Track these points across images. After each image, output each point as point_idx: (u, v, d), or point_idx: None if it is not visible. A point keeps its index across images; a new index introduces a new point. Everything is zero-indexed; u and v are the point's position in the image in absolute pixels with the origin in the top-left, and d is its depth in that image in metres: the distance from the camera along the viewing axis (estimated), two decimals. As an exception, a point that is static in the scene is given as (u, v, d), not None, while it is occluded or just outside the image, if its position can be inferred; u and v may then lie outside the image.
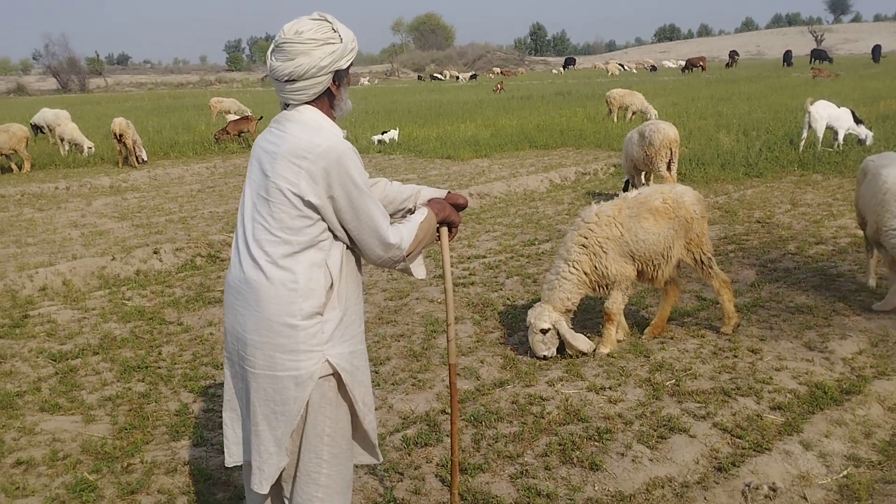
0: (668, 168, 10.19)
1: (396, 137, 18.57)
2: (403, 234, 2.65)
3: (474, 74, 73.54)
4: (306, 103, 2.58)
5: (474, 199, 11.67)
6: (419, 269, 2.80)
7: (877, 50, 54.56)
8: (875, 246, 6.33)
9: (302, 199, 2.45)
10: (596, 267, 5.38)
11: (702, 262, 5.57)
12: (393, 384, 5.08)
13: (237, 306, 2.58)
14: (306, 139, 2.47)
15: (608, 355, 5.39)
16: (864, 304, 6.16)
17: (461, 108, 28.27)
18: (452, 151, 16.60)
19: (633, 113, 20.93)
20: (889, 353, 5.21)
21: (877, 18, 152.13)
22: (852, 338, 5.47)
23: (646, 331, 5.74)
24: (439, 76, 73.33)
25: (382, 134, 18.64)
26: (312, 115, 2.57)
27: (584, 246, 5.39)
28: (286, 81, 2.52)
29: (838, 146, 13.55)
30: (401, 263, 2.70)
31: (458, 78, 70.65)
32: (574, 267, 5.38)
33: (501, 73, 76.11)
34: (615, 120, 20.85)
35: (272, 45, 2.55)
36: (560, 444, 4.15)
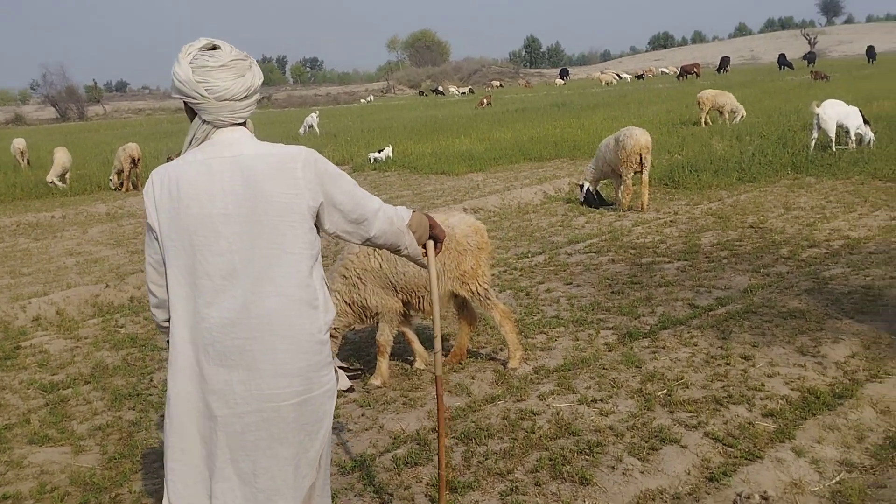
0: (641, 172, 10.64)
1: (392, 154, 18.60)
2: (397, 209, 2.75)
3: (470, 89, 73.94)
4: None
5: (468, 213, 11.64)
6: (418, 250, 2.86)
7: (871, 50, 54.70)
8: None
9: (309, 207, 2.44)
10: (355, 298, 5.26)
11: (478, 294, 5.37)
12: (383, 404, 5.06)
13: (253, 347, 2.38)
14: (276, 152, 2.44)
15: (379, 386, 5.33)
16: (857, 306, 6.13)
17: (457, 122, 28.34)
18: (447, 166, 16.62)
19: (728, 113, 20.42)
20: (881, 356, 5.18)
21: (869, 19, 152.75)
22: (845, 341, 5.44)
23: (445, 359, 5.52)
24: (442, 91, 73.60)
25: (379, 152, 18.67)
26: (246, 132, 2.53)
27: (344, 276, 5.26)
28: (243, 98, 2.49)
29: (853, 145, 13.50)
30: (406, 238, 2.75)
31: (463, 92, 70.98)
32: (335, 297, 5.22)
33: (499, 85, 76.67)
34: (707, 123, 20.34)
35: (206, 68, 2.40)
36: (551, 460, 4.11)
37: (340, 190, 2.52)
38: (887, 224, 8.73)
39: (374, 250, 5.18)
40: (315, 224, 2.53)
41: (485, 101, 41.23)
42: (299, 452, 2.48)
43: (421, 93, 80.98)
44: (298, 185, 2.42)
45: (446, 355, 5.69)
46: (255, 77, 2.50)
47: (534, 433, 4.43)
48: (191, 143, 2.48)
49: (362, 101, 74.74)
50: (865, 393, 4.61)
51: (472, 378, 5.35)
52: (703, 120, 20.36)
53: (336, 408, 4.89)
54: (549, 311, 6.74)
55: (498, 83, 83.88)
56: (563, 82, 72.52)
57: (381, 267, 5.22)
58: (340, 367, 4.73)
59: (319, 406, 2.51)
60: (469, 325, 5.69)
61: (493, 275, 8.02)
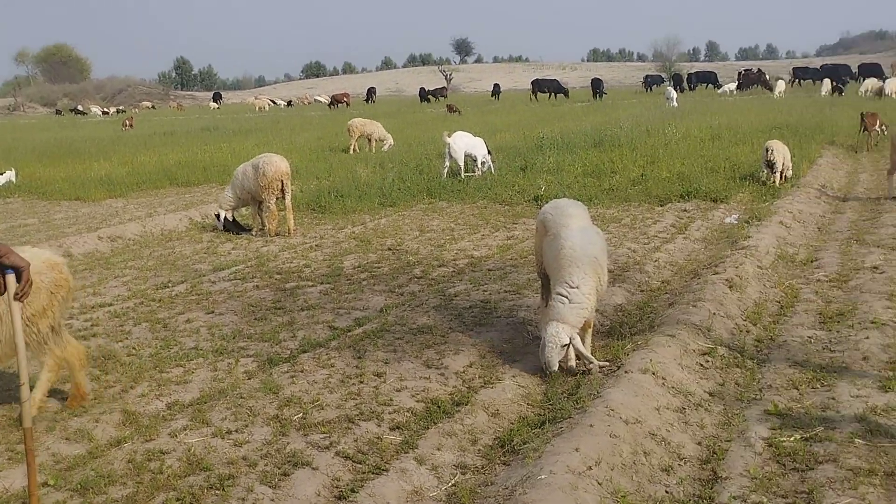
0: (283, 198, 10.90)
1: (14, 179, 16.68)
2: None
3: (120, 109, 69.47)
4: None
5: (104, 242, 10.85)
6: None
7: (496, 87, 61.28)
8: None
9: None
10: None
11: (40, 333, 4.91)
12: (-15, 461, 4.46)
13: None
14: None
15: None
16: (476, 319, 6.74)
17: (96, 145, 26.32)
18: (83, 192, 15.33)
19: (375, 141, 21.45)
20: (494, 364, 5.75)
21: (495, 60, 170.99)
22: (465, 352, 5.95)
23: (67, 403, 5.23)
24: (83, 110, 67.87)
25: (-4, 176, 16.64)
26: None
27: None
28: None
29: (480, 171, 14.86)
30: None
31: (105, 112, 66.01)
32: None
33: (151, 106, 72.93)
34: (355, 150, 20.96)
35: None
36: (178, 500, 3.92)
37: None
38: (504, 243, 9.78)
39: None
40: None
41: (127, 122, 38.83)
42: None
43: (58, 111, 74.27)
44: None
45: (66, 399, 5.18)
46: None
47: (162, 473, 4.20)
48: None
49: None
50: (479, 399, 5.08)
51: (97, 421, 4.94)
52: (351, 147, 21.20)
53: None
54: (188, 343, 6.48)
55: (149, 104, 79.87)
56: (216, 106, 71.04)
57: None
58: None
59: None
60: (52, 368, 5.06)
61: (128, 307, 7.54)
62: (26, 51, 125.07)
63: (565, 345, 5.38)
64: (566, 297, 5.47)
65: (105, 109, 72.89)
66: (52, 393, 5.36)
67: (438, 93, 59.44)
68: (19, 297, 2.66)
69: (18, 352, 2.69)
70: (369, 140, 21.65)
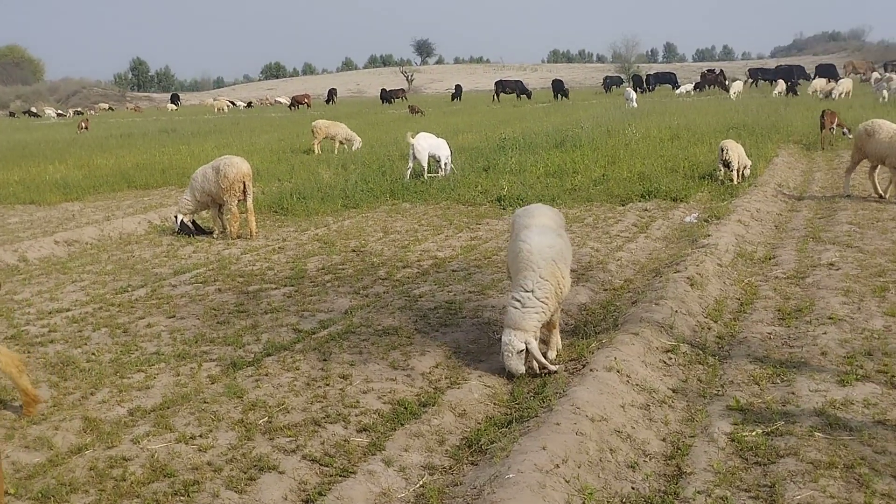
0: (245, 200, 10.82)
1: (-34, 182, 16.30)
2: None
3: (78, 111, 68.41)
4: None
5: (60, 246, 10.65)
6: None
7: (458, 88, 61.32)
8: None
9: None
10: None
11: None
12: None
13: None
14: None
15: None
16: (442, 320, 6.75)
17: (50, 147, 25.82)
18: (38, 196, 15.05)
19: (340, 142, 21.44)
20: (460, 364, 5.76)
21: (456, 61, 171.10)
22: (431, 353, 5.94)
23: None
24: (37, 112, 66.59)
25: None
26: None
27: None
28: None
29: (444, 172, 14.84)
30: None
31: (60, 114, 64.83)
32: None
33: (109, 108, 71.83)
34: (318, 151, 20.89)
35: None
36: (142, 507, 3.86)
37: None
38: (468, 244, 9.79)
39: None
40: None
41: (83, 124, 38.18)
42: None
43: (11, 114, 72.79)
44: None
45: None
46: None
47: (125, 480, 4.13)
48: None
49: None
50: (446, 399, 5.08)
51: (57, 429, 4.84)
52: (315, 148, 21.08)
53: None
54: (150, 348, 6.38)
55: (107, 105, 78.70)
56: (174, 107, 70.16)
57: None
58: None
59: None
60: (15, 369, 4.95)
61: (86, 312, 7.41)
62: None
63: (521, 350, 5.37)
64: (519, 302, 5.46)
65: (60, 111, 71.61)
66: (8, 402, 5.25)
67: (397, 94, 59.41)
68: None
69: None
70: (334, 141, 21.55)
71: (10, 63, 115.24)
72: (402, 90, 63.98)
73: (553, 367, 5.47)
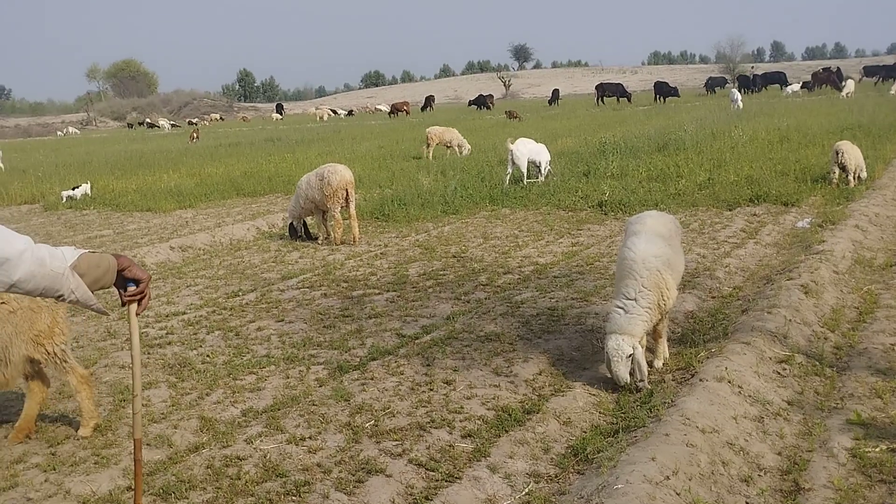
0: (348, 207, 11.02)
1: (89, 191, 17.25)
2: (56, 249, 2.44)
3: (192, 121, 71.71)
4: None
5: (175, 252, 11.15)
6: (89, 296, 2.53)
7: (555, 93, 60.95)
8: None
9: None
10: None
11: (54, 355, 4.90)
12: (72, 465, 4.59)
13: None
14: None
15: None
16: (544, 326, 6.71)
17: (165, 157, 27.09)
18: (153, 203, 15.77)
19: (456, 147, 21.79)
20: (564, 371, 5.71)
21: (554, 65, 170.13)
22: (534, 360, 5.91)
23: (10, 436, 5.02)
24: (153, 123, 70.07)
25: (73, 189, 17.20)
26: None
27: None
28: None
29: (541, 178, 14.81)
30: (68, 282, 2.43)
31: (174, 124, 68.22)
32: None
33: (220, 118, 74.90)
34: (430, 157, 21.11)
35: None
36: (256, 505, 3.99)
37: None
38: (569, 250, 9.70)
39: None
40: None
41: (194, 135, 39.88)
42: None
43: (130, 125, 76.78)
44: None
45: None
46: None
47: (240, 479, 4.28)
48: None
49: (59, 133, 68.83)
50: (550, 407, 5.04)
51: (175, 427, 5.06)
52: (428, 154, 21.35)
53: (14, 475, 4.38)
54: (260, 350, 6.59)
55: (218, 115, 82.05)
56: (279, 117, 72.41)
57: None
58: None
59: None
60: (39, 394, 5.07)
61: (201, 316, 7.71)
62: (97, 67, 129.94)
63: (630, 355, 5.25)
64: (622, 308, 5.35)
65: (174, 122, 75.01)
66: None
67: (486, 100, 59.29)
68: (139, 310, 2.71)
69: (134, 364, 2.74)
70: (448, 147, 21.84)
71: (126, 77, 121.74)
72: (491, 95, 63.98)
73: (647, 385, 5.30)
